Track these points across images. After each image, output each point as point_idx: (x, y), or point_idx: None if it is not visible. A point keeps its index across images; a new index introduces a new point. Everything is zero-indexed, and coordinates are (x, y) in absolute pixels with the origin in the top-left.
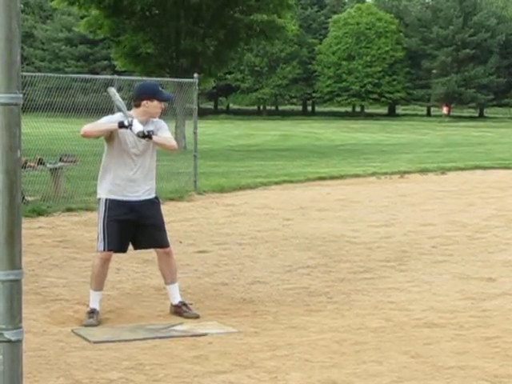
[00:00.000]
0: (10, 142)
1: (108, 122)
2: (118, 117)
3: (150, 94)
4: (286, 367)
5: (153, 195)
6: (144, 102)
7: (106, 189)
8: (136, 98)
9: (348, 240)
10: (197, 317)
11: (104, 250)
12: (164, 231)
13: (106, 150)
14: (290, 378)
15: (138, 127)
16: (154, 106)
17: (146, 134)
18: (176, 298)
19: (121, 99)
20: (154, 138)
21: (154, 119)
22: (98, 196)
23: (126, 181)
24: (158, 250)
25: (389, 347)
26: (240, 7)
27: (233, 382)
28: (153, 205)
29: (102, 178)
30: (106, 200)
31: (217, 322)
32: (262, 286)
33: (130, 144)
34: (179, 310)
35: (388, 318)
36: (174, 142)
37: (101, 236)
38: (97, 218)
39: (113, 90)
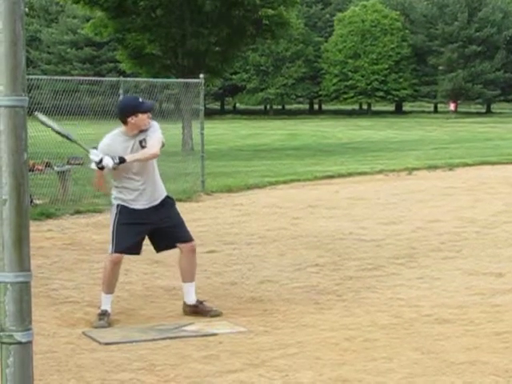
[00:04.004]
0: (16, 144)
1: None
2: (94, 156)
3: (131, 110)
4: (296, 365)
5: (164, 195)
6: (130, 120)
7: (119, 198)
8: (121, 118)
9: (357, 238)
10: (220, 313)
11: (113, 252)
12: (185, 227)
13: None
14: (301, 376)
15: (93, 158)
16: (140, 119)
17: (117, 162)
18: (193, 298)
19: (55, 125)
20: (128, 159)
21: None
22: (112, 203)
23: (137, 192)
24: (183, 245)
25: (399, 344)
26: (246, 7)
27: (244, 381)
28: (166, 206)
29: (113, 189)
30: (119, 205)
31: (227, 321)
32: (271, 284)
33: (123, 168)
34: (197, 310)
35: (398, 314)
36: (152, 151)
37: (110, 239)
38: (110, 222)
39: (41, 118)
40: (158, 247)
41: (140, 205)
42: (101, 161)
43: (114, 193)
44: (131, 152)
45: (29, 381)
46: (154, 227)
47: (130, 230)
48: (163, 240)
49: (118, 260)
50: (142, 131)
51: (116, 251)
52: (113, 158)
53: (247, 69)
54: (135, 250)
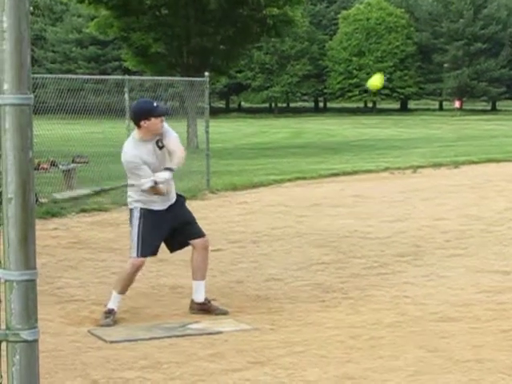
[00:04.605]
0: (22, 142)
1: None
2: (147, 183)
3: (145, 114)
4: (302, 363)
5: (176, 195)
6: (142, 123)
7: (140, 201)
8: (134, 121)
9: (362, 235)
10: (226, 312)
11: (138, 256)
12: (196, 223)
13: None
14: (307, 374)
15: (146, 184)
16: (153, 123)
17: (170, 171)
18: (203, 296)
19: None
20: (173, 167)
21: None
22: (132, 206)
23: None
24: (196, 241)
25: (405, 342)
26: (251, 6)
27: (249, 379)
28: (178, 204)
29: (134, 193)
30: (142, 209)
31: (232, 319)
32: (276, 283)
33: (154, 170)
34: (205, 308)
35: (403, 312)
36: (181, 153)
37: (135, 243)
38: (131, 225)
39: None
40: (173, 247)
41: (160, 205)
42: (156, 182)
43: (135, 195)
44: (154, 154)
45: (35, 379)
46: (173, 224)
47: (155, 234)
48: (177, 238)
49: (141, 264)
50: (155, 136)
51: (142, 255)
52: (163, 172)
53: (252, 67)
54: (157, 252)
